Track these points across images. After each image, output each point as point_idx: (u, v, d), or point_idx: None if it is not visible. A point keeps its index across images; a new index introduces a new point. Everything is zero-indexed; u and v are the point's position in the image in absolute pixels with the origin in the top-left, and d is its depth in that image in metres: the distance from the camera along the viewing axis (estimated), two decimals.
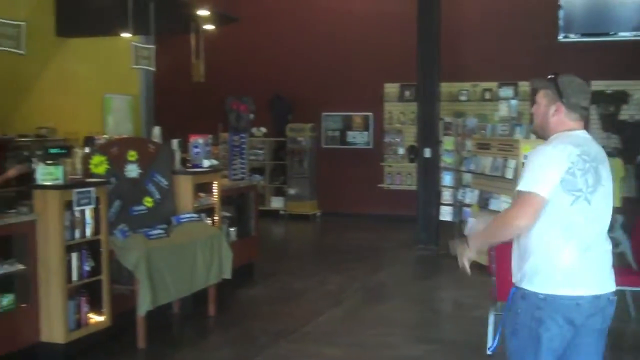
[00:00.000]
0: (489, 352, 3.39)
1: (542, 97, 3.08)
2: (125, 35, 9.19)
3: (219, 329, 6.45)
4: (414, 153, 12.92)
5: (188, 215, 6.58)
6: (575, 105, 3.01)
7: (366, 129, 13.43)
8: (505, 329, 3.08)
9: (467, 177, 9.66)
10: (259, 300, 7.43)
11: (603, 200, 2.97)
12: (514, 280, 3.05)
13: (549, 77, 3.08)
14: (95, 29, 10.08)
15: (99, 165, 5.78)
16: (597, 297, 2.93)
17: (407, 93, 12.93)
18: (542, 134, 3.10)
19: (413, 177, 12.80)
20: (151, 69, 8.10)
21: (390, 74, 12.93)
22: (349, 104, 13.35)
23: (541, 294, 2.90)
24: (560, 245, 2.90)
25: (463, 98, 12.52)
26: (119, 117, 11.01)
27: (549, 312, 2.90)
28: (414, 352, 5.77)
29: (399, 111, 13.10)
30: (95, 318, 5.55)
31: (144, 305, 5.57)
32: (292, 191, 13.37)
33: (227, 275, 6.68)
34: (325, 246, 11.13)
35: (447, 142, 9.90)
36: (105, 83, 10.85)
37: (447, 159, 9.88)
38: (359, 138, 13.50)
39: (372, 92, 13.12)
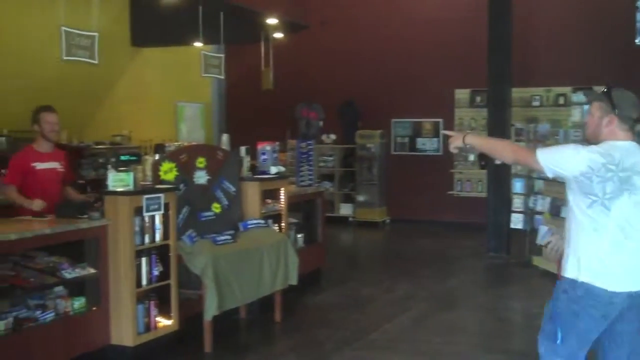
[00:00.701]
0: None
1: (596, 109, 3.36)
2: (197, 44, 9.38)
3: (285, 335, 6.49)
4: (484, 160, 12.72)
5: (255, 221, 6.65)
6: (627, 117, 3.28)
7: (436, 135, 13.31)
8: (545, 314, 3.41)
9: (539, 184, 9.45)
10: (325, 306, 7.43)
11: (633, 209, 3.22)
12: (561, 272, 3.41)
13: (603, 90, 3.37)
14: (168, 38, 10.33)
15: (169, 172, 5.91)
16: (630, 295, 3.21)
17: (478, 98, 12.76)
18: (594, 143, 3.37)
19: (483, 184, 12.58)
20: (220, 77, 8.24)
21: (461, 80, 12.79)
22: (419, 110, 13.28)
23: (577, 281, 3.22)
24: (591, 241, 3.22)
25: (535, 103, 12.26)
26: (191, 125, 11.24)
27: (584, 306, 3.21)
28: None
29: (470, 117, 12.94)
30: (163, 322, 5.66)
31: (210, 310, 5.65)
32: (361, 198, 13.35)
33: (293, 281, 6.72)
34: (393, 253, 11.06)
35: None
36: (177, 91, 11.09)
37: (518, 166, 9.68)
38: (428, 145, 13.40)
39: (442, 98, 13.01)
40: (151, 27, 10.37)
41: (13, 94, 8.54)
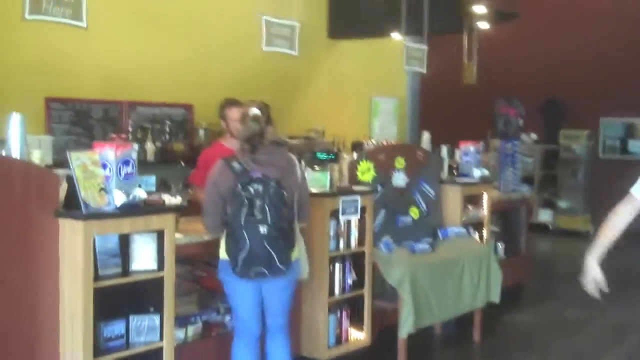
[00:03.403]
0: None
1: None
2: (395, 36, 8.94)
3: (485, 358, 5.86)
4: None
5: (456, 230, 6.09)
6: None
7: None
8: None
9: None
10: (527, 328, 6.70)
11: None
12: None
13: None
14: (365, 30, 9.92)
15: (366, 172, 5.50)
16: None
17: None
18: None
19: None
20: (422, 70, 7.73)
21: None
22: (633, 108, 11.94)
23: None
24: None
25: None
26: (385, 121, 10.84)
27: None
28: None
29: None
30: (355, 335, 5.26)
31: (406, 326, 5.16)
32: (563, 204, 12.29)
33: (495, 298, 6.07)
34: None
35: None
36: (373, 85, 10.70)
37: None
38: None
39: None
40: (349, 18, 10.02)
41: (213, 87, 8.53)
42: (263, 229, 3.79)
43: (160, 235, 3.89)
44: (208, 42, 8.59)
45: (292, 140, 9.63)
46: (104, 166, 3.64)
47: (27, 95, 7.06)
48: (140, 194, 3.74)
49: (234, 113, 5.46)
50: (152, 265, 3.88)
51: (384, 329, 5.52)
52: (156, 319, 3.92)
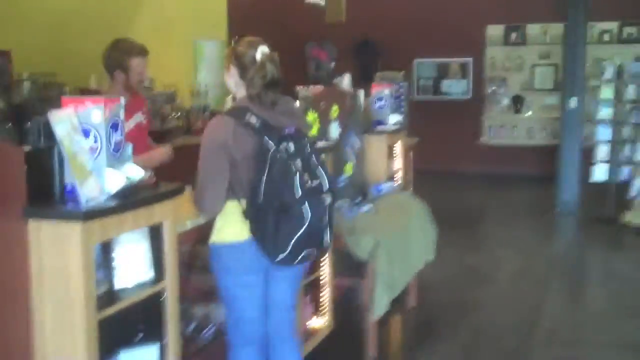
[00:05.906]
0: None
1: None
2: None
3: (437, 325, 5.21)
4: (519, 103, 11.69)
5: (389, 185, 5.32)
6: None
7: (464, 76, 12.10)
8: None
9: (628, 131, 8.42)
10: (441, 282, 6.16)
11: None
12: None
13: None
14: None
15: (313, 124, 4.50)
16: None
17: (513, 35, 11.60)
18: None
19: (519, 130, 11.65)
20: (321, 2, 6.75)
21: (493, 14, 11.56)
22: (445, 49, 11.98)
23: None
24: None
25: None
26: (208, 66, 9.62)
27: None
28: None
29: (504, 56, 11.76)
30: (315, 323, 4.32)
31: (380, 305, 4.32)
32: None
33: (431, 256, 5.43)
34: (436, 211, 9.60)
35: (605, 91, 8.57)
36: (196, 27, 9.39)
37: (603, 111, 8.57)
38: (455, 87, 12.17)
39: (471, 35, 11.76)
40: None
41: (32, 29, 6.86)
42: (328, 198, 2.97)
43: (154, 232, 2.63)
44: None
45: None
46: (86, 133, 2.29)
47: None
48: (134, 172, 2.45)
49: (141, 65, 4.11)
50: (148, 274, 2.63)
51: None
52: (154, 350, 2.68)
